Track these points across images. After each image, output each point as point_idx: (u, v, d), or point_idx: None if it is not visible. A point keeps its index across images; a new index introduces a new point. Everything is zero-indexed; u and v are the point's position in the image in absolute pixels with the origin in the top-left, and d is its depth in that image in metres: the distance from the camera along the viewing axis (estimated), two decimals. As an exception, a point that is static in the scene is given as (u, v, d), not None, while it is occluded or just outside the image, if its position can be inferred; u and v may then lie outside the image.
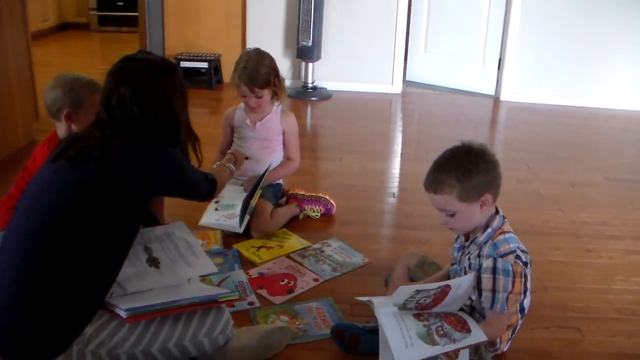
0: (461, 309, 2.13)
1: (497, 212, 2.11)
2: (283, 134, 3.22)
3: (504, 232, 2.07)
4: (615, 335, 2.39)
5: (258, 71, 3.02)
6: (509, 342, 2.18)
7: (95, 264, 1.81)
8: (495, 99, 5.96)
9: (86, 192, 1.81)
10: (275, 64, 3.11)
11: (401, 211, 3.51)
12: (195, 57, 5.91)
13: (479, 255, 2.06)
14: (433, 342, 1.95)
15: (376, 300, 2.06)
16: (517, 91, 5.89)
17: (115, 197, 1.84)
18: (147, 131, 1.97)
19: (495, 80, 5.98)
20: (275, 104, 3.18)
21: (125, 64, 2.02)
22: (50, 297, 1.74)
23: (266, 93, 3.06)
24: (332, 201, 3.26)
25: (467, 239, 2.16)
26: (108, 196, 1.83)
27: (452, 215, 2.06)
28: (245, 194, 2.98)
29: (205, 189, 2.24)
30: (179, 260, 2.13)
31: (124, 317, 1.78)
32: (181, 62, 5.83)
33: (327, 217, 3.25)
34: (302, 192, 3.27)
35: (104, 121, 1.96)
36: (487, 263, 2.02)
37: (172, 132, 2.03)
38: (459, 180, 2.00)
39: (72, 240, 1.78)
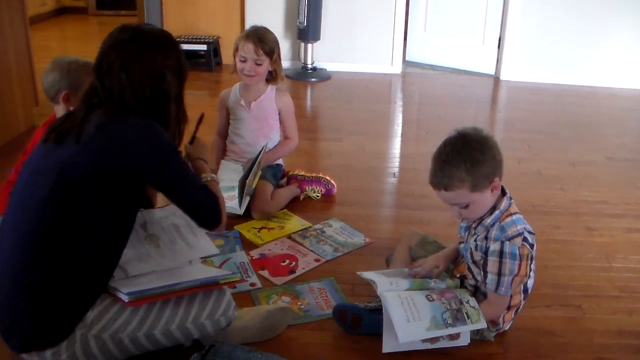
0: (464, 287, 2.15)
1: (504, 193, 2.10)
2: (279, 113, 3.21)
3: (511, 214, 2.07)
4: (615, 312, 2.40)
5: (267, 37, 3.04)
6: (512, 321, 2.19)
7: (92, 250, 1.79)
8: (496, 79, 5.95)
9: (67, 175, 1.77)
10: (279, 43, 3.11)
11: (402, 191, 3.51)
12: (194, 40, 5.89)
13: (486, 238, 2.06)
14: (437, 325, 1.97)
15: (378, 280, 2.07)
16: (517, 71, 5.87)
17: (101, 178, 1.78)
18: (134, 101, 1.88)
19: (496, 60, 5.97)
20: (270, 85, 3.17)
21: (120, 32, 1.94)
22: (48, 285, 1.73)
23: (266, 64, 3.05)
24: (332, 182, 3.26)
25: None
26: (92, 178, 1.77)
27: (466, 207, 2.05)
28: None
29: (207, 200, 1.97)
30: (180, 242, 2.14)
31: (126, 300, 1.78)
32: (180, 45, 5.80)
33: (328, 197, 3.25)
34: (303, 173, 3.26)
35: (94, 89, 1.90)
36: (494, 246, 2.02)
37: (159, 104, 1.93)
38: (468, 172, 1.97)
39: (63, 226, 1.76)
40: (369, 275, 2.15)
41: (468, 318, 2.00)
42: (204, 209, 1.97)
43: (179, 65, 1.99)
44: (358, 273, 2.20)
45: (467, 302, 2.05)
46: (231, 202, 2.90)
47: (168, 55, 1.96)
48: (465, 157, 1.98)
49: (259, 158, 2.95)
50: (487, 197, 2.03)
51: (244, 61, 3.04)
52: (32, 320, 1.72)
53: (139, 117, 1.86)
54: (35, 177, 1.81)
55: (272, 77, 3.12)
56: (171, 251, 2.06)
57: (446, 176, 1.99)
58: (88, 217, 1.78)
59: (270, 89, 3.18)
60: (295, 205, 3.16)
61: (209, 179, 2.10)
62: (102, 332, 1.78)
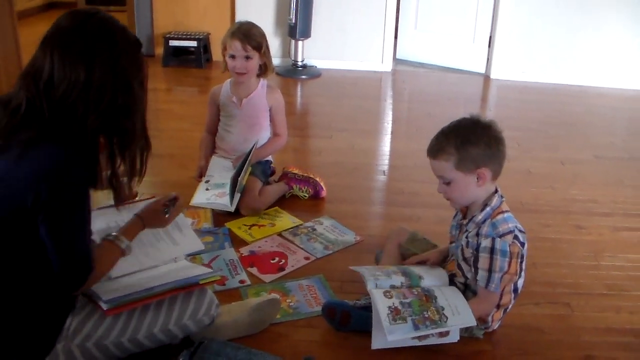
0: (454, 284, 2.15)
1: (495, 191, 2.11)
2: (270, 110, 3.19)
3: (502, 212, 2.07)
4: (604, 310, 2.41)
5: (252, 32, 3.03)
6: (500, 320, 2.20)
7: (47, 277, 1.65)
8: (486, 77, 5.97)
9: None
10: (266, 36, 3.11)
11: (391, 188, 3.51)
12: (184, 36, 5.87)
13: (477, 234, 2.06)
14: (423, 321, 1.97)
15: (367, 273, 2.07)
16: (507, 69, 5.89)
17: (18, 205, 1.56)
18: (81, 108, 1.59)
19: (486, 59, 5.98)
20: (261, 80, 3.17)
21: (87, 15, 1.63)
22: (13, 323, 1.64)
23: (256, 58, 3.04)
24: (322, 184, 3.23)
25: (464, 217, 2.16)
26: (10, 204, 1.57)
27: (449, 184, 2.07)
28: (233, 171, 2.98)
29: (80, 259, 1.66)
30: (164, 238, 2.12)
31: (105, 309, 1.76)
32: (170, 41, 5.80)
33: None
34: (296, 171, 3.25)
35: (33, 75, 1.62)
36: (485, 243, 2.02)
37: (115, 121, 1.64)
38: (457, 149, 2.00)
39: (13, 249, 1.61)
40: (359, 269, 2.15)
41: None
42: (69, 271, 1.65)
43: (144, 77, 1.72)
44: (351, 267, 2.19)
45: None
46: (222, 200, 2.89)
47: (138, 61, 1.69)
48: (460, 134, 2.02)
49: (249, 155, 2.94)
50: (469, 184, 2.04)
51: (234, 59, 3.03)
52: (6, 354, 1.66)
53: (62, 149, 1.58)
54: None
55: (262, 70, 3.12)
56: (155, 249, 2.04)
57: (438, 145, 2.05)
58: (22, 243, 1.62)
59: (262, 86, 3.17)
60: (286, 202, 3.15)
61: (119, 244, 1.84)
62: (85, 341, 1.76)
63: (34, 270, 1.65)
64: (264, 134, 3.21)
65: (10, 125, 1.60)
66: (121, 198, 1.83)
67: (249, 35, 3.00)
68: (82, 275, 1.68)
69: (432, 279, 2.16)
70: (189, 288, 1.93)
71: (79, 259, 1.66)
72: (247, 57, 3.02)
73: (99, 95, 1.59)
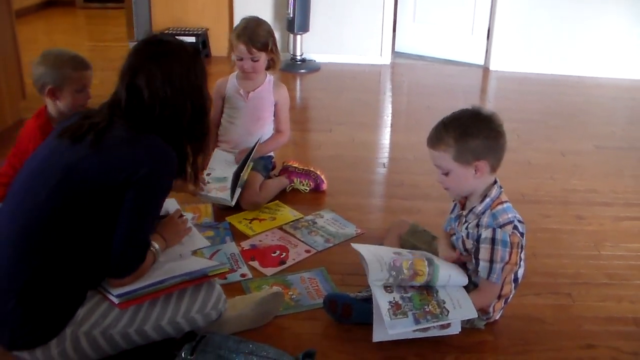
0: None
1: (494, 181, 2.11)
2: (275, 105, 3.20)
3: (502, 202, 2.07)
4: (605, 300, 2.42)
5: (258, 33, 3.01)
6: (501, 310, 2.20)
7: (85, 252, 1.77)
8: (485, 69, 5.96)
9: (72, 179, 1.75)
10: (273, 31, 3.10)
11: (391, 181, 3.51)
12: (182, 32, 5.85)
13: (477, 225, 2.06)
14: (424, 315, 1.97)
15: (367, 259, 2.06)
16: (506, 61, 5.88)
17: (103, 187, 1.75)
18: (174, 117, 1.87)
19: (485, 50, 5.98)
20: (268, 75, 3.16)
21: (153, 44, 1.92)
22: (39, 286, 1.71)
23: (263, 57, 3.04)
24: (322, 177, 3.23)
25: (463, 208, 2.16)
26: (95, 185, 1.75)
27: (447, 174, 2.07)
28: (236, 166, 2.98)
29: (137, 252, 1.84)
30: None
31: (116, 302, 1.78)
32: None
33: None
34: (296, 165, 3.25)
35: (120, 102, 1.86)
36: (486, 233, 2.02)
37: (199, 119, 1.95)
38: (456, 140, 2.00)
39: (60, 227, 1.74)
40: (361, 249, 2.14)
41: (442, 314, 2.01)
42: (128, 254, 1.81)
43: (206, 79, 2.00)
44: (352, 245, 2.18)
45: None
46: (223, 194, 2.89)
47: (201, 67, 1.97)
48: (460, 126, 2.02)
49: (252, 151, 2.94)
50: (467, 175, 2.04)
51: (241, 60, 3.03)
52: (22, 320, 1.70)
53: (162, 140, 1.83)
54: (41, 174, 1.80)
55: (270, 65, 3.12)
56: None
57: (437, 136, 2.05)
58: (84, 220, 1.75)
59: (268, 80, 3.17)
60: (286, 196, 3.16)
61: (152, 248, 1.92)
62: (93, 329, 1.78)
63: (72, 253, 1.75)
64: (267, 129, 3.21)
65: (98, 127, 1.80)
66: (199, 180, 2.11)
67: (253, 37, 2.98)
68: (137, 260, 1.83)
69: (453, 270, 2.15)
70: (198, 280, 1.95)
71: (141, 243, 1.84)
72: (254, 60, 3.02)
73: (182, 104, 1.89)
